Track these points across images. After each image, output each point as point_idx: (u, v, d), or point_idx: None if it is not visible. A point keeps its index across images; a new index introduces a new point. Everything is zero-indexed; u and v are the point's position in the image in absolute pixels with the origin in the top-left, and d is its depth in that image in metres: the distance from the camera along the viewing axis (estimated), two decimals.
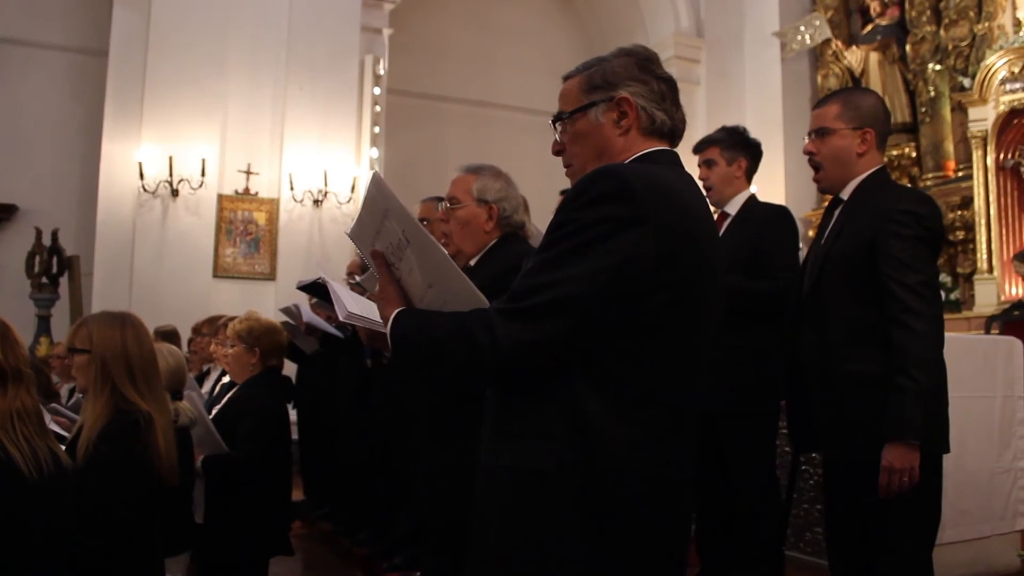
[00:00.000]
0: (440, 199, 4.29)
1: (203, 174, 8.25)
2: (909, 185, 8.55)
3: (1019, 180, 8.58)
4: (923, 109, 9.37)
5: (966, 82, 8.85)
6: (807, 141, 2.76)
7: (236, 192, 8.56)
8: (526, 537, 1.59)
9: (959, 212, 8.80)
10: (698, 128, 8.90)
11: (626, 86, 1.77)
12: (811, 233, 9.29)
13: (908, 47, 9.58)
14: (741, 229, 3.48)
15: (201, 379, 5.52)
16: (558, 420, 1.58)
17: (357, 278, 4.53)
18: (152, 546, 2.74)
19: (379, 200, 1.74)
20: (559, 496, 1.57)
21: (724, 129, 3.66)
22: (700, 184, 3.47)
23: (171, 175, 8.19)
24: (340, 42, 8.94)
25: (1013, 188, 8.57)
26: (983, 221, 8.48)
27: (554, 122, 1.85)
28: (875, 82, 9.64)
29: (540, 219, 4.14)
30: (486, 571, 1.67)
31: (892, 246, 2.50)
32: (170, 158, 8.16)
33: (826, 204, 7.36)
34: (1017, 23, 8.65)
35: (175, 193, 8.26)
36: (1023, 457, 4.33)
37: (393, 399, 4.73)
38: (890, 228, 2.52)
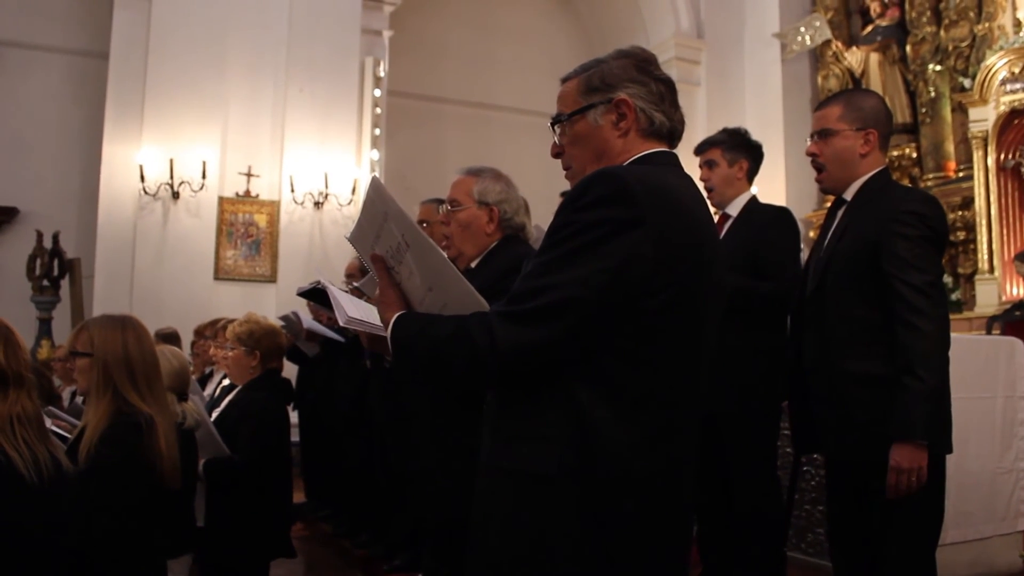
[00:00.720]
0: (440, 201, 4.30)
1: (204, 176, 8.25)
2: (910, 186, 8.54)
3: (1020, 180, 8.57)
4: (923, 110, 9.37)
5: (966, 83, 8.85)
6: (809, 142, 2.76)
7: (237, 194, 8.56)
8: (526, 540, 1.59)
9: (960, 212, 8.80)
10: (698, 129, 8.90)
11: (624, 88, 1.77)
12: (812, 234, 9.30)
13: (908, 48, 9.57)
14: (742, 230, 3.49)
15: (204, 381, 5.53)
16: (558, 422, 1.58)
17: (355, 283, 4.53)
18: (154, 548, 2.74)
19: (378, 204, 1.75)
20: (559, 499, 1.57)
21: (726, 131, 3.66)
22: (701, 185, 3.47)
23: (172, 177, 8.19)
24: (340, 44, 8.94)
25: (1014, 188, 8.56)
26: (984, 221, 8.48)
27: (553, 124, 1.85)
28: (875, 83, 9.63)
29: (541, 221, 4.14)
30: (486, 573, 1.66)
31: (897, 246, 2.50)
32: (171, 160, 8.16)
33: (828, 205, 7.36)
34: (1017, 23, 8.65)
35: (176, 195, 8.26)
36: None
37: (392, 401, 4.73)
38: (895, 228, 2.52)
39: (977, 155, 8.58)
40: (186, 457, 2.96)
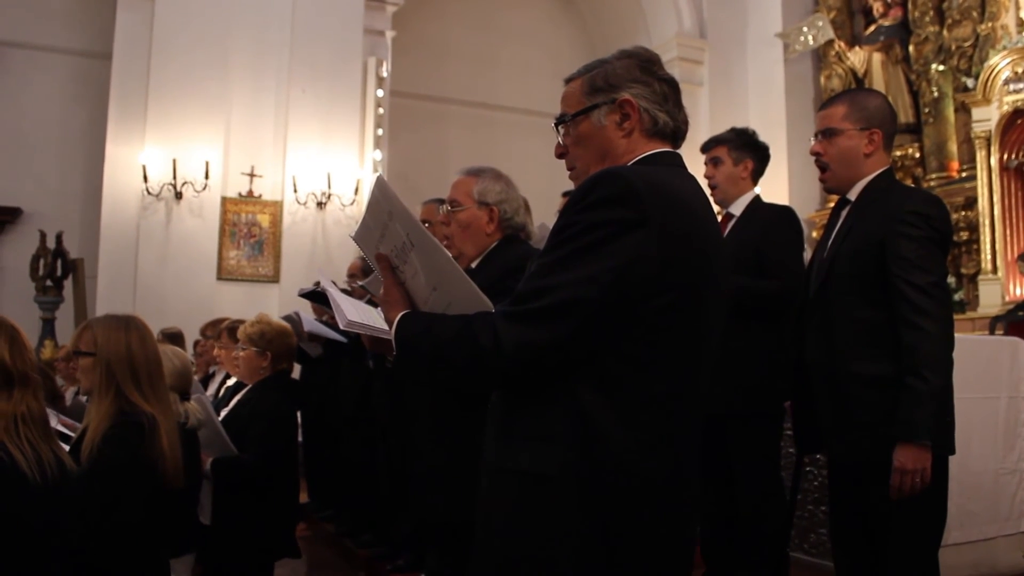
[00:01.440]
0: (441, 201, 4.29)
1: (207, 177, 8.26)
2: (913, 186, 8.53)
3: (1023, 180, 8.56)
4: (926, 110, 9.36)
5: (969, 82, 8.84)
6: (814, 142, 2.76)
7: (240, 195, 8.57)
8: (529, 540, 1.59)
9: (963, 213, 8.79)
10: (701, 129, 8.91)
11: (628, 88, 1.77)
12: (815, 234, 9.30)
13: (911, 48, 9.56)
14: (746, 229, 3.49)
15: (206, 381, 5.53)
16: (562, 423, 1.58)
17: (359, 282, 4.54)
18: (156, 547, 2.74)
19: (383, 203, 1.75)
20: (563, 499, 1.57)
21: (734, 130, 3.67)
22: (705, 182, 3.47)
23: (175, 178, 8.20)
24: (343, 44, 8.95)
25: (1017, 188, 8.56)
26: (987, 222, 8.47)
27: (556, 125, 1.85)
28: (878, 83, 9.62)
29: (542, 221, 4.14)
30: (489, 574, 1.67)
31: (902, 247, 2.50)
32: (174, 161, 8.17)
33: (831, 205, 7.39)
34: (1020, 23, 8.64)
35: (179, 196, 8.27)
36: None
37: (395, 401, 4.73)
38: (900, 229, 2.52)
39: (980, 155, 8.57)
40: (188, 457, 2.96)
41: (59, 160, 9.36)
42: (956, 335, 2.58)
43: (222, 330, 4.25)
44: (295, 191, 8.60)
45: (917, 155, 9.47)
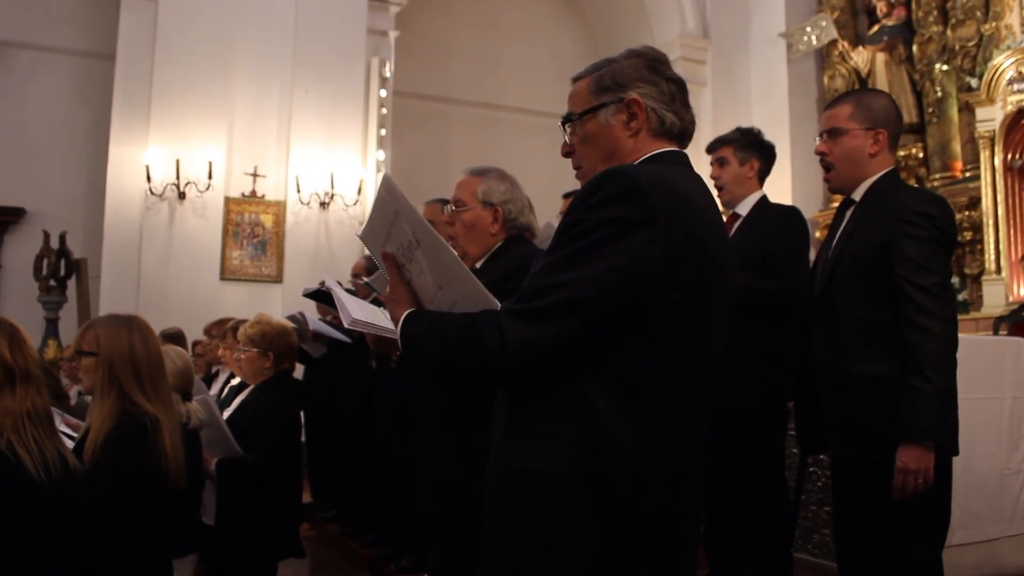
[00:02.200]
0: (445, 201, 4.29)
1: (210, 177, 8.27)
2: (916, 186, 8.52)
3: None
4: (930, 110, 9.34)
5: (973, 82, 8.82)
6: (819, 141, 2.76)
7: (243, 195, 8.57)
8: (535, 539, 1.59)
9: (967, 213, 8.77)
10: (704, 129, 8.90)
11: (636, 87, 1.77)
12: (818, 234, 9.28)
13: (915, 47, 9.55)
14: (752, 229, 3.48)
15: (208, 381, 5.53)
16: (567, 421, 1.58)
17: (365, 279, 4.53)
18: (159, 548, 2.74)
19: (390, 202, 1.75)
20: (569, 497, 1.57)
21: (739, 130, 3.67)
22: (711, 183, 3.47)
23: (178, 178, 8.21)
24: (346, 45, 8.96)
25: (1021, 188, 8.54)
26: (991, 222, 8.45)
27: (563, 123, 1.85)
28: (882, 83, 9.61)
29: (545, 221, 4.14)
30: (497, 573, 1.66)
31: (907, 247, 2.49)
32: (177, 161, 8.18)
33: (835, 205, 7.36)
34: None
35: (182, 196, 8.28)
36: None
37: (398, 400, 4.73)
38: (904, 229, 2.51)
39: (984, 155, 8.55)
40: (190, 457, 2.96)
41: (62, 160, 9.37)
42: (960, 336, 2.58)
43: (227, 330, 4.25)
44: (298, 191, 8.61)
45: (921, 155, 9.45)
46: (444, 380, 1.70)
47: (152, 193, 8.21)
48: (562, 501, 1.57)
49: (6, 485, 2.00)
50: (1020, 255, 8.39)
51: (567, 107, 1.87)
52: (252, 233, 8.59)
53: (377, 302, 2.79)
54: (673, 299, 1.59)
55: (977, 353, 4.17)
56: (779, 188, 9.30)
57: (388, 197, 1.75)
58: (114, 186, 8.32)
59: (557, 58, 11.34)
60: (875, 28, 10.08)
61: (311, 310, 5.96)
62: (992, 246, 8.44)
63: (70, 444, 2.59)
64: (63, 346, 7.72)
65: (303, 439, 5.18)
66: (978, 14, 8.91)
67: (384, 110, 9.06)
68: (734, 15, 11.13)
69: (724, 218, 2.00)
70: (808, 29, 10.18)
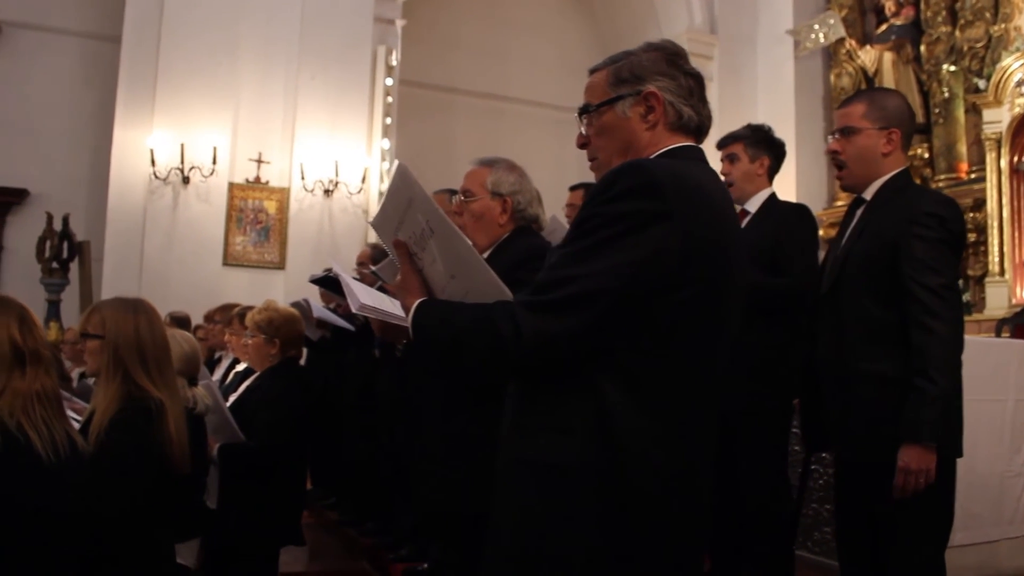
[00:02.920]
0: (452, 191, 4.29)
1: (214, 162, 8.25)
2: (929, 187, 8.50)
3: None
4: (936, 110, 9.31)
5: (981, 83, 8.79)
6: (831, 140, 2.75)
7: (247, 180, 8.56)
8: (545, 531, 1.59)
9: (971, 214, 8.73)
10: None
11: (654, 80, 1.77)
12: (821, 232, 9.26)
13: (923, 47, 9.51)
14: (761, 227, 3.48)
15: (211, 365, 5.53)
16: (579, 414, 1.58)
17: (372, 267, 4.53)
18: (162, 532, 2.74)
19: (403, 190, 1.74)
20: (579, 490, 1.57)
21: (750, 126, 3.66)
22: (721, 179, 3.46)
23: (182, 162, 8.19)
24: (353, 32, 8.92)
25: None
26: (995, 223, 8.43)
27: (580, 114, 1.84)
28: (889, 82, 9.57)
29: (551, 214, 4.13)
30: (504, 565, 1.66)
31: (915, 248, 2.49)
32: (182, 145, 8.16)
33: (839, 203, 7.31)
34: None
35: (186, 180, 8.27)
36: None
37: (401, 389, 4.73)
38: (914, 230, 2.51)
39: (990, 157, 8.53)
40: (195, 442, 2.95)
41: (66, 142, 9.35)
42: (965, 337, 2.57)
43: (233, 316, 4.25)
44: (302, 178, 8.59)
45: (926, 156, 9.42)
46: (455, 370, 1.70)
47: (156, 177, 8.19)
48: (571, 494, 1.57)
49: (15, 466, 2.00)
50: None
51: (583, 98, 1.86)
52: (255, 219, 8.57)
53: (383, 291, 2.78)
54: (687, 295, 1.59)
55: (981, 355, 4.16)
56: (784, 186, 9.27)
57: (402, 185, 1.74)
58: (118, 169, 8.29)
59: (563, 51, 11.31)
60: (883, 27, 10.04)
61: (315, 297, 5.96)
62: (996, 248, 8.42)
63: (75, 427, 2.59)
64: (65, 328, 7.71)
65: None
66: (987, 15, 8.87)
67: (390, 99, 9.03)
68: (742, 11, 11.09)
69: None
70: (816, 27, 10.14)
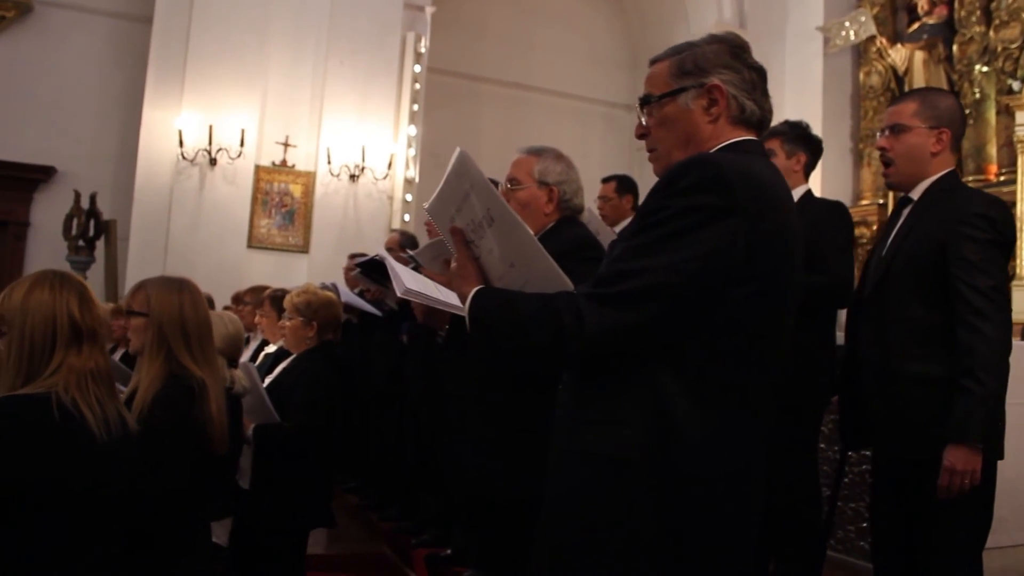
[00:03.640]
0: (491, 181, 4.28)
1: (242, 144, 8.27)
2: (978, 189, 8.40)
3: None
4: (967, 111, 9.22)
5: (1015, 85, 8.69)
6: (880, 137, 2.73)
7: (273, 164, 8.58)
8: (600, 522, 1.59)
9: None
10: None
11: (718, 73, 1.76)
12: None
13: (955, 47, 9.43)
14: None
15: None
16: (637, 407, 1.58)
17: (410, 252, 4.54)
18: (200, 511, 2.76)
19: (462, 177, 1.74)
20: (635, 482, 1.57)
21: (787, 122, 3.64)
22: None
23: (210, 144, 8.22)
24: (382, 18, 8.92)
25: None
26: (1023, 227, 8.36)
27: (641, 105, 1.83)
28: (919, 82, 9.49)
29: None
30: (557, 555, 1.67)
31: (964, 249, 2.48)
32: (210, 127, 8.18)
33: (864, 202, 7.28)
34: None
35: (213, 162, 8.29)
36: None
37: (428, 376, 4.75)
38: (963, 231, 2.50)
39: (1021, 159, 8.45)
40: (232, 422, 2.97)
41: (94, 121, 9.38)
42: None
43: (264, 298, 4.27)
44: (329, 162, 8.61)
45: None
46: (513, 359, 1.70)
47: (184, 158, 8.23)
48: (628, 484, 1.58)
49: (70, 442, 2.01)
50: None
51: (644, 89, 1.85)
52: (281, 202, 8.60)
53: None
54: (750, 290, 1.59)
55: (1012, 359, 4.13)
56: (810, 183, 9.24)
57: (461, 172, 1.74)
58: (146, 149, 8.33)
59: (590, 42, 11.28)
60: (915, 26, 9.95)
61: (340, 280, 5.99)
62: (1023, 251, 8.35)
63: None
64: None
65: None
66: (1023, 16, 8.79)
67: (417, 85, 9.03)
68: (772, 7, 11.01)
69: None
70: (847, 24, 10.06)
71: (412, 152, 8.87)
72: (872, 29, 9.84)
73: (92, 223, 8.48)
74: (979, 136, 9.09)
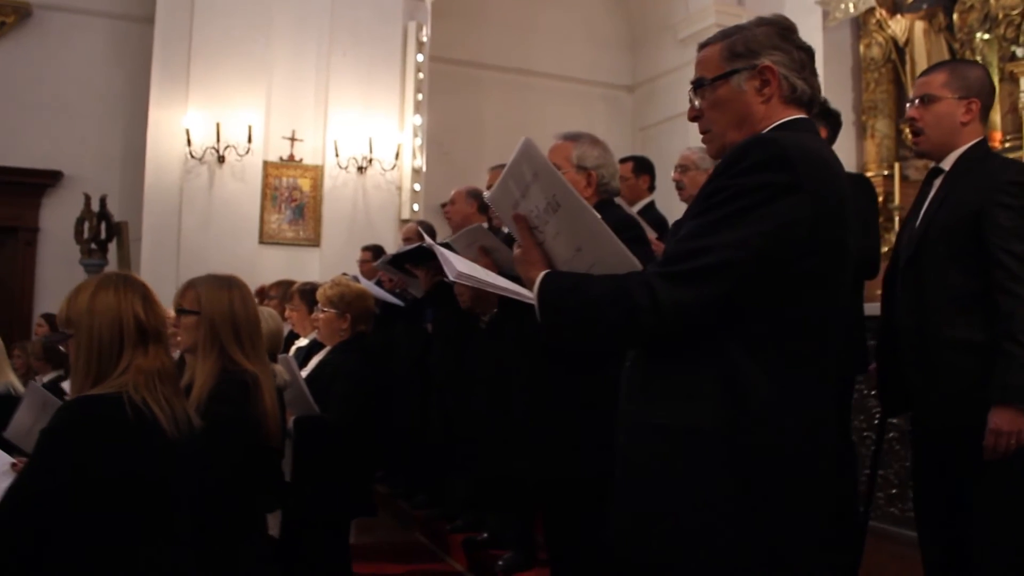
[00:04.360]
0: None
1: (249, 140, 8.29)
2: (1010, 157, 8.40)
3: None
4: None
5: (1018, 51, 8.70)
6: (910, 107, 2.78)
7: (281, 159, 8.59)
8: (678, 492, 1.65)
9: None
10: None
11: (768, 54, 1.81)
12: None
13: (955, 16, 9.42)
14: None
15: None
16: (711, 380, 1.64)
17: (448, 240, 4.58)
18: (255, 504, 2.82)
19: (527, 165, 1.78)
20: (712, 453, 1.63)
21: None
22: None
23: (218, 141, 8.23)
24: (384, 8, 8.92)
25: None
26: None
27: (694, 88, 1.88)
28: (920, 52, 9.51)
29: None
30: (636, 528, 1.72)
31: (999, 216, 2.53)
32: (217, 124, 8.20)
33: (868, 174, 7.25)
34: None
35: (221, 159, 8.31)
36: None
37: (454, 363, 4.80)
38: (998, 198, 2.55)
39: None
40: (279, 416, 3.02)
41: (99, 123, 9.37)
42: None
43: (294, 292, 4.32)
44: (336, 155, 8.62)
45: None
46: (584, 338, 1.76)
47: (192, 156, 8.24)
48: (704, 456, 1.64)
49: (144, 440, 2.06)
50: None
51: (695, 72, 1.90)
52: (290, 197, 8.62)
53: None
54: (814, 263, 1.65)
55: None
56: None
57: (526, 160, 1.79)
58: (154, 149, 8.33)
59: (589, 24, 11.26)
60: None
61: (354, 272, 6.04)
62: None
63: None
64: None
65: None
66: None
67: (421, 75, 9.03)
68: None
69: None
70: None
71: (419, 142, 8.89)
72: (871, 1, 9.85)
73: (103, 226, 8.51)
74: None
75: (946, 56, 9.35)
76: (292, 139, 8.59)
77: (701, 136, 1.91)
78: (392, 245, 8.00)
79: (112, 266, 8.54)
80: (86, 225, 8.47)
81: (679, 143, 10.24)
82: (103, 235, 8.52)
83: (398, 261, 4.13)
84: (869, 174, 9.88)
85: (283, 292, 4.81)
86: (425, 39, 9.11)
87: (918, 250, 2.70)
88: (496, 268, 2.62)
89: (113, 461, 2.01)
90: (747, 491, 1.62)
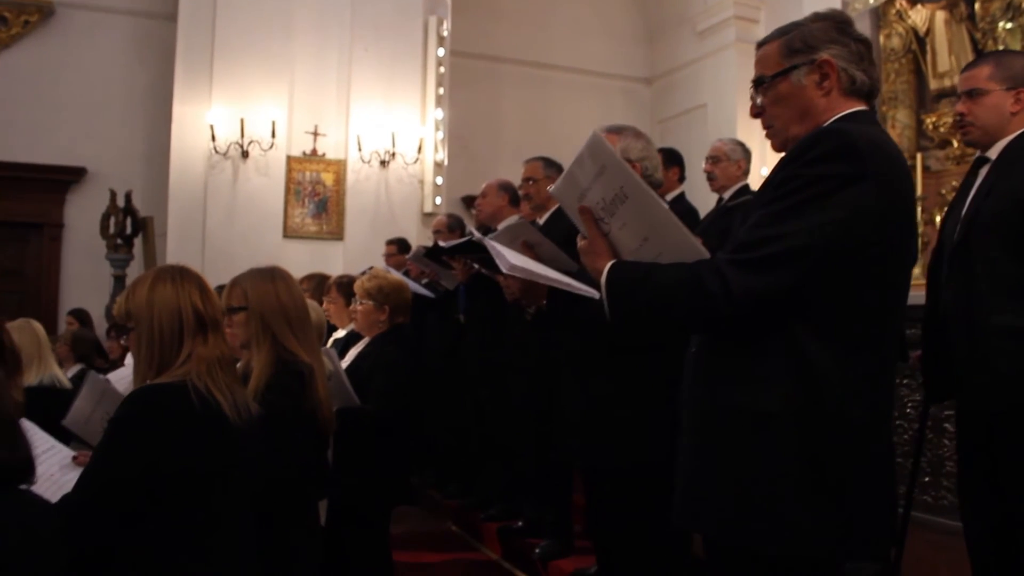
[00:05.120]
0: (543, 159, 4.37)
1: (273, 135, 8.34)
2: None
3: None
4: None
5: None
6: (958, 103, 2.81)
7: (304, 153, 8.65)
8: (752, 474, 1.69)
9: None
10: None
11: (827, 48, 1.85)
12: None
13: (977, 5, 9.39)
14: None
15: None
16: (781, 364, 1.69)
17: (489, 235, 4.63)
18: (310, 493, 2.87)
19: (595, 158, 1.82)
20: (783, 436, 1.68)
21: None
22: None
23: (242, 136, 8.29)
24: (404, 3, 8.95)
25: None
26: None
27: (755, 86, 1.92)
28: (941, 42, 9.49)
29: None
30: (706, 509, 1.77)
31: None
32: (241, 120, 8.25)
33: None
34: None
35: (245, 155, 8.37)
36: None
37: (488, 353, 4.85)
38: None
39: None
40: None
41: (122, 120, 9.46)
42: None
43: (331, 284, 4.37)
44: (359, 149, 8.67)
45: None
46: (656, 325, 1.80)
47: (216, 152, 8.30)
48: (775, 439, 1.68)
49: (209, 427, 2.09)
50: None
51: (755, 71, 1.94)
52: (313, 191, 8.68)
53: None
54: (880, 250, 1.70)
55: None
56: None
57: (594, 153, 1.83)
58: (179, 145, 8.40)
59: (606, 17, 11.27)
60: None
61: (379, 265, 6.09)
62: None
63: None
64: None
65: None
66: None
67: (442, 68, 9.07)
68: None
69: None
70: None
71: (440, 135, 8.93)
72: None
73: (129, 221, 8.59)
74: None
75: (967, 46, 9.34)
76: (315, 134, 8.64)
77: (764, 132, 1.94)
78: (414, 238, 8.05)
79: (138, 261, 8.63)
80: (112, 221, 8.54)
81: (698, 135, 10.27)
82: (128, 231, 8.59)
83: (436, 253, 4.17)
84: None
85: (315, 285, 4.85)
86: (446, 33, 9.14)
87: (966, 238, 2.73)
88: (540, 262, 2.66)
89: (181, 448, 2.05)
90: (819, 473, 1.67)
